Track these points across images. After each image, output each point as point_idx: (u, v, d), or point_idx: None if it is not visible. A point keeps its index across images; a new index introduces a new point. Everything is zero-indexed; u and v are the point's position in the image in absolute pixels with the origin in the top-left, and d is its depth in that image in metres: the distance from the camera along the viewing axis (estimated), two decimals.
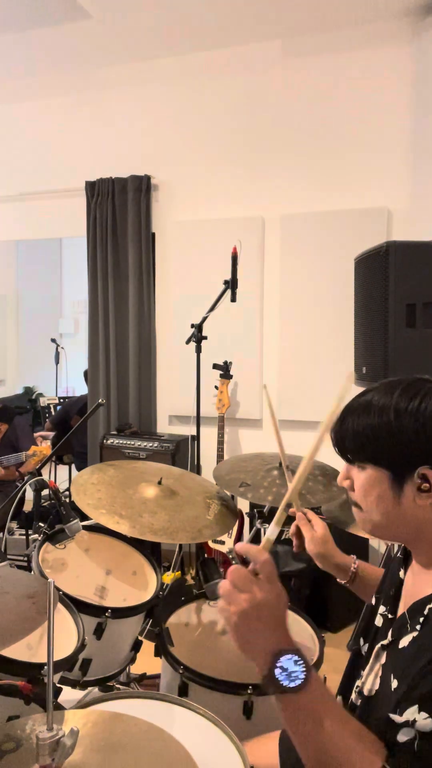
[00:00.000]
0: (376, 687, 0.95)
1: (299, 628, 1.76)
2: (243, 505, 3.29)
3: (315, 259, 3.46)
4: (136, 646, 1.73)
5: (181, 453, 3.49)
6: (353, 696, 0.99)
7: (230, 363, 3.47)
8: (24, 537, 3.30)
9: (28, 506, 3.31)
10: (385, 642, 0.96)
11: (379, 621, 1.02)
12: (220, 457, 3.41)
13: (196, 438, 3.31)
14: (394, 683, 0.88)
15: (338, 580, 1.30)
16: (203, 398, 3.32)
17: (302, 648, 0.89)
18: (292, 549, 1.41)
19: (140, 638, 1.74)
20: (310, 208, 3.49)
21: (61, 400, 5.14)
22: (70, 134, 4.04)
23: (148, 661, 1.81)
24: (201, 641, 1.81)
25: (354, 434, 0.95)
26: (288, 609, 1.79)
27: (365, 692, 0.97)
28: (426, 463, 0.89)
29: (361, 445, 0.95)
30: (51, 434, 4.29)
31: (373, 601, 1.08)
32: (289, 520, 1.23)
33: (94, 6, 3.19)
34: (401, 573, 1.02)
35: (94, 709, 1.19)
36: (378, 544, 3.28)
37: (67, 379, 6.05)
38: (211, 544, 3.19)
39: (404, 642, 0.90)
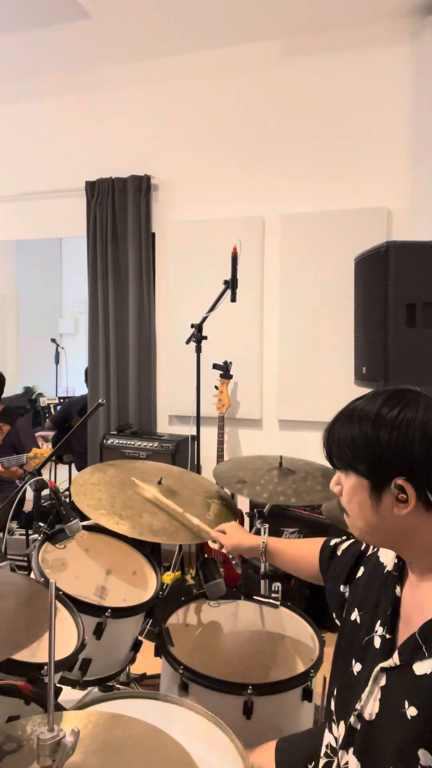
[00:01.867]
0: (377, 710, 0.94)
1: (299, 628, 1.76)
2: (243, 505, 3.29)
3: (315, 259, 3.46)
4: (136, 646, 1.73)
5: (181, 453, 3.49)
6: (352, 719, 0.97)
7: (230, 363, 3.47)
8: (24, 537, 3.30)
9: (28, 506, 3.32)
10: (385, 664, 0.94)
11: (377, 642, 0.99)
12: (220, 457, 3.41)
13: (196, 438, 3.31)
14: (412, 711, 0.86)
15: (260, 559, 1.45)
16: (203, 398, 3.32)
17: None
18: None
19: (140, 638, 1.74)
20: (310, 208, 3.49)
21: (61, 400, 5.14)
22: (70, 134, 4.04)
23: (148, 661, 1.81)
24: (201, 641, 1.82)
25: (338, 442, 0.96)
26: (288, 609, 1.80)
27: (366, 716, 0.95)
28: (401, 474, 0.88)
29: (343, 452, 0.95)
30: (51, 434, 4.29)
31: (358, 620, 1.06)
32: None
33: (94, 6, 3.19)
34: (397, 590, 1.01)
35: (94, 710, 1.19)
36: None
37: (67, 379, 6.05)
38: (211, 544, 3.18)
39: (423, 668, 0.88)
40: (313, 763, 1.16)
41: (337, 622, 1.16)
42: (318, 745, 1.15)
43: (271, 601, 1.72)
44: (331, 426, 0.98)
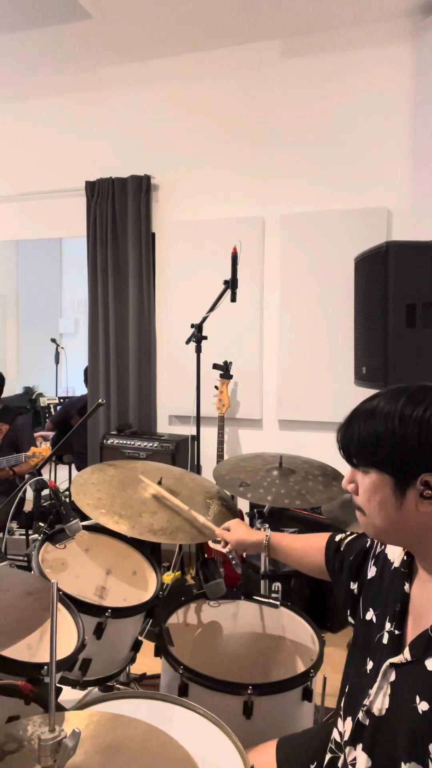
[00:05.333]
0: (386, 706, 0.94)
1: (299, 628, 1.76)
2: (243, 505, 3.29)
3: (315, 259, 3.46)
4: (136, 646, 1.73)
5: (181, 453, 3.49)
6: (360, 715, 0.98)
7: (230, 363, 3.47)
8: (24, 537, 3.30)
9: (28, 506, 3.32)
10: (395, 660, 0.95)
11: (385, 638, 1.00)
12: (220, 457, 3.41)
13: (196, 438, 3.31)
14: (424, 705, 0.87)
15: (263, 554, 1.48)
16: (203, 398, 3.32)
17: None
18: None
19: (140, 638, 1.74)
20: (310, 208, 3.49)
21: (61, 400, 5.15)
22: (70, 134, 4.03)
23: (148, 661, 1.81)
24: (201, 641, 1.82)
25: (359, 439, 0.95)
26: (288, 609, 1.80)
27: (375, 712, 0.96)
28: (429, 470, 0.89)
29: (365, 450, 0.95)
30: (51, 434, 4.29)
31: (374, 619, 1.06)
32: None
33: (94, 6, 3.19)
34: (406, 587, 1.01)
35: (95, 710, 1.19)
36: None
37: (67, 379, 6.05)
38: (211, 544, 3.19)
39: None
40: (315, 762, 1.16)
41: (350, 620, 1.16)
42: (319, 744, 1.15)
43: (271, 601, 1.73)
44: (347, 424, 0.98)
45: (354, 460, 0.98)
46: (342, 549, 1.25)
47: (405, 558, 1.04)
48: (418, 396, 0.92)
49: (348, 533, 1.28)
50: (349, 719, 1.03)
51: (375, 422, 0.93)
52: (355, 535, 1.25)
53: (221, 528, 1.58)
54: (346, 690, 1.07)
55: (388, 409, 0.92)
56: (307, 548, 1.37)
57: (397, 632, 0.98)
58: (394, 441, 0.91)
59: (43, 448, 3.21)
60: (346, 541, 1.26)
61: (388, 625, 1.01)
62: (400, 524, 0.94)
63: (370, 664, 1.01)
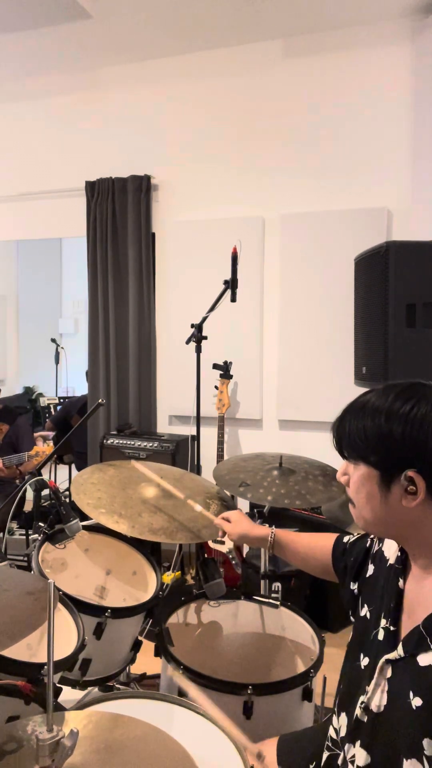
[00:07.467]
0: (384, 702, 0.95)
1: (299, 628, 1.76)
2: (243, 505, 3.29)
3: (315, 259, 3.46)
4: (136, 646, 1.73)
5: (181, 453, 3.49)
6: (358, 712, 0.98)
7: (230, 363, 3.47)
8: (24, 537, 3.30)
9: (28, 506, 3.32)
10: (390, 656, 0.95)
11: (380, 634, 1.01)
12: (220, 457, 3.41)
13: (196, 438, 3.31)
14: (416, 701, 0.88)
15: (265, 550, 1.45)
16: (203, 398, 3.32)
17: None
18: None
19: (140, 638, 1.74)
20: (310, 208, 3.49)
21: (61, 400, 5.14)
22: (70, 134, 4.04)
23: (148, 661, 1.81)
24: (201, 641, 1.82)
25: (349, 433, 0.98)
26: (288, 609, 1.80)
27: (373, 708, 0.96)
28: (413, 466, 0.90)
29: (354, 444, 0.97)
30: (51, 434, 4.29)
31: (368, 615, 1.07)
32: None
33: (94, 6, 3.19)
34: (401, 583, 1.02)
35: (94, 710, 1.19)
36: None
37: (67, 379, 6.05)
38: (211, 544, 3.19)
39: (428, 659, 0.89)
40: (314, 762, 1.16)
41: (351, 619, 1.16)
42: (319, 744, 1.15)
43: (271, 601, 1.73)
44: (341, 418, 1.00)
45: (345, 453, 1.01)
46: (347, 549, 1.25)
47: (399, 554, 1.05)
48: (407, 393, 0.93)
49: (355, 535, 1.28)
50: (343, 715, 1.03)
51: (364, 417, 0.95)
52: (358, 536, 1.25)
53: (220, 517, 1.52)
54: (341, 687, 1.07)
55: (378, 405, 0.94)
56: (312, 548, 1.36)
57: (392, 628, 0.99)
58: (379, 437, 0.92)
59: (47, 447, 3.21)
60: (351, 542, 1.26)
61: (383, 622, 1.01)
62: (386, 518, 0.95)
63: (365, 660, 1.02)
